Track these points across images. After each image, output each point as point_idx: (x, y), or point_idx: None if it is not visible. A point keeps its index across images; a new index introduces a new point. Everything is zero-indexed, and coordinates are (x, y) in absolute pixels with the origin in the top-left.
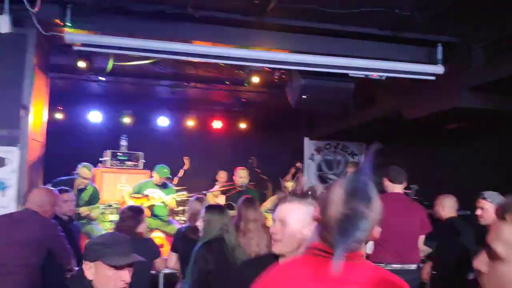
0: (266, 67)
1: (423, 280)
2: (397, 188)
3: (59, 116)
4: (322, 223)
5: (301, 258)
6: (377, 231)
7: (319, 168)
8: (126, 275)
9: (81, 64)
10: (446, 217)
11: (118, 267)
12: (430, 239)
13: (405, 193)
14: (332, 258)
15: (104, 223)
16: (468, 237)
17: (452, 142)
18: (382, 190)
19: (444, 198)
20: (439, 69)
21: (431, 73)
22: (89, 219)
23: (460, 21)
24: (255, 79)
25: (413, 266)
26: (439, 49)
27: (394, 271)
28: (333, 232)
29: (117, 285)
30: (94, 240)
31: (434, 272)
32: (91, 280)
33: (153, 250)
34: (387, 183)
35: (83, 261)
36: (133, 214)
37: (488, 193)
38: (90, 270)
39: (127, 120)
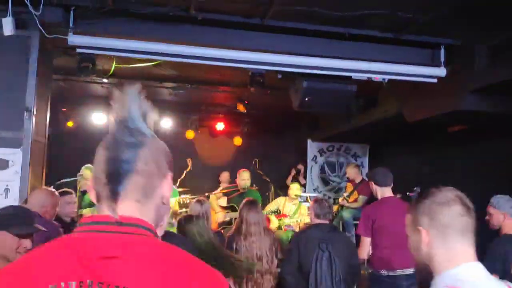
0: (268, 69)
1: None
2: (387, 192)
3: (62, 118)
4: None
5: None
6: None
7: (322, 170)
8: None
9: (84, 66)
10: None
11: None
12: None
13: (408, 196)
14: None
15: None
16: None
17: (455, 145)
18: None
19: None
20: (441, 71)
21: (434, 75)
22: None
23: (462, 24)
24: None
25: (411, 271)
26: (442, 51)
27: (396, 276)
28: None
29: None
30: None
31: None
32: None
33: None
34: (375, 187)
35: None
36: None
37: (494, 198)
38: None
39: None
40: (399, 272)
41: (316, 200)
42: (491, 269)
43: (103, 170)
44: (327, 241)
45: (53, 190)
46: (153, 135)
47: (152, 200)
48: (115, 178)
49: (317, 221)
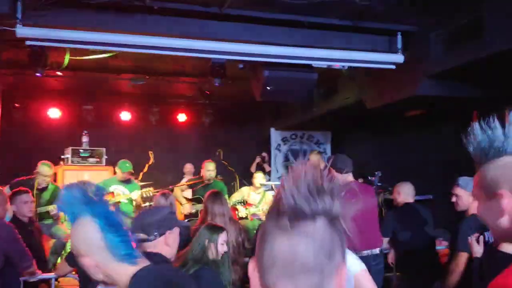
0: (228, 59)
1: (390, 264)
2: (349, 178)
3: (15, 113)
4: None
5: None
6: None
7: (286, 158)
8: None
9: (35, 59)
10: (402, 203)
11: None
12: (388, 225)
13: (369, 180)
14: None
15: (68, 222)
16: (425, 221)
17: (412, 129)
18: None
19: (400, 185)
20: (399, 58)
21: (392, 62)
22: (58, 218)
23: (418, 11)
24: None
25: (377, 251)
26: (399, 38)
27: (362, 257)
28: None
29: None
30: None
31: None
32: None
33: None
34: (336, 175)
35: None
36: None
37: (462, 180)
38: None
39: (87, 115)
40: (365, 253)
41: None
42: (464, 247)
43: None
44: None
45: (0, 188)
46: None
47: None
48: None
49: None
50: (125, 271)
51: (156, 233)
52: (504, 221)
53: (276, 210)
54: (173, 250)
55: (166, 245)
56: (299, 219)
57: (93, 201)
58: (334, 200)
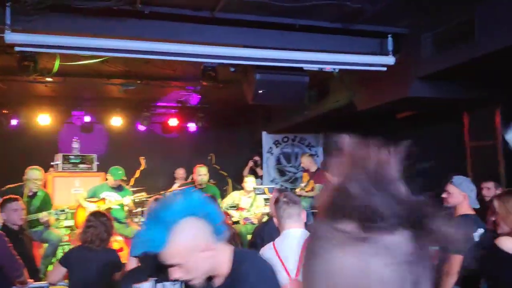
0: (220, 63)
1: None
2: None
3: (4, 120)
4: None
5: None
6: None
7: (278, 161)
8: None
9: (25, 65)
10: None
11: None
12: None
13: None
14: None
15: (59, 229)
16: None
17: (404, 130)
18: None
19: None
20: (390, 60)
21: (383, 64)
22: (48, 225)
23: (408, 13)
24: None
25: None
26: (390, 40)
27: None
28: None
29: None
30: None
31: None
32: None
33: (115, 263)
34: (330, 178)
35: None
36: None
37: (456, 178)
38: None
39: (78, 121)
40: None
41: (281, 191)
42: (456, 249)
43: None
44: None
45: None
46: None
47: None
48: None
49: None
50: (223, 248)
51: None
52: None
53: (333, 213)
54: None
55: None
56: (376, 227)
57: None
58: (423, 204)
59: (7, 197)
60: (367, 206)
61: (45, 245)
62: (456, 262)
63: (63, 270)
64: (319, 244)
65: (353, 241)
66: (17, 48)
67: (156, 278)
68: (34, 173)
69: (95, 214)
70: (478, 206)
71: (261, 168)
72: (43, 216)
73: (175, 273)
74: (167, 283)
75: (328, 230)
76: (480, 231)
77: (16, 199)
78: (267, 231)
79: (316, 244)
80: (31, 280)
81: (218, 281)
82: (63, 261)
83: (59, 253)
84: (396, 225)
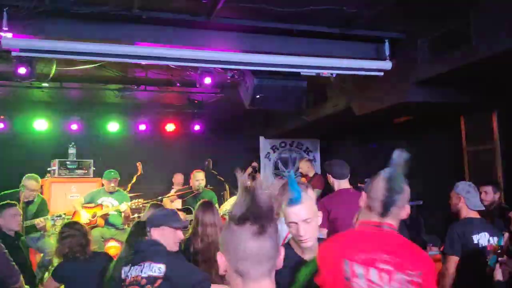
0: (217, 67)
1: None
2: (344, 184)
3: (0, 125)
4: (368, 206)
5: (359, 230)
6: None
7: (276, 167)
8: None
9: (21, 70)
10: None
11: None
12: None
13: (359, 187)
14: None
15: (55, 235)
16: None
17: (400, 135)
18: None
19: None
20: (387, 64)
21: (380, 69)
22: (45, 231)
23: (405, 17)
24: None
25: None
26: (386, 45)
27: None
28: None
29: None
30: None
31: None
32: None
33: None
34: (332, 180)
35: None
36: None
37: (457, 183)
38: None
39: (74, 127)
40: None
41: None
42: (451, 250)
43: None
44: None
45: None
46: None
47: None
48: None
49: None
50: None
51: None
52: None
53: (242, 221)
54: None
55: None
56: (265, 227)
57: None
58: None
59: (5, 202)
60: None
61: (41, 254)
62: (451, 263)
63: (57, 285)
64: (236, 237)
65: (255, 235)
66: (13, 53)
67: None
68: (30, 183)
69: (68, 225)
70: (482, 208)
71: (260, 174)
72: (39, 221)
73: (304, 228)
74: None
75: (240, 230)
76: (484, 234)
77: (14, 205)
78: None
79: (233, 236)
80: (27, 287)
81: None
82: (57, 277)
83: (55, 262)
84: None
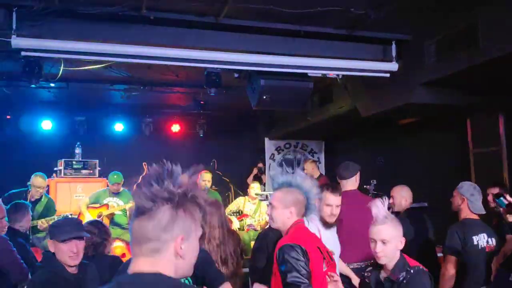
0: (224, 68)
1: None
2: (349, 185)
3: (7, 125)
4: None
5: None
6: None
7: (280, 168)
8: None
9: (29, 70)
10: (400, 209)
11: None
12: None
13: (365, 188)
14: None
15: None
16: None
17: (406, 136)
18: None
19: (394, 189)
20: (393, 66)
21: (386, 70)
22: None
23: (412, 19)
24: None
25: (356, 265)
26: (393, 47)
27: (358, 269)
28: None
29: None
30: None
31: None
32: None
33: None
34: (339, 182)
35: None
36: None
37: (461, 183)
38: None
39: (80, 127)
40: (363, 264)
41: None
42: (451, 250)
43: None
44: None
45: None
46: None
47: None
48: None
49: None
50: None
51: None
52: None
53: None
54: None
55: None
56: (142, 212)
57: None
58: (175, 191)
59: (17, 201)
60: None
61: None
62: (451, 263)
63: None
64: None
65: (136, 216)
66: (23, 53)
67: None
68: (37, 180)
69: (91, 222)
70: (483, 212)
71: (265, 175)
72: (41, 223)
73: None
74: None
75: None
76: (483, 236)
77: (25, 204)
78: (272, 237)
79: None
80: None
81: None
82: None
83: None
84: (158, 205)
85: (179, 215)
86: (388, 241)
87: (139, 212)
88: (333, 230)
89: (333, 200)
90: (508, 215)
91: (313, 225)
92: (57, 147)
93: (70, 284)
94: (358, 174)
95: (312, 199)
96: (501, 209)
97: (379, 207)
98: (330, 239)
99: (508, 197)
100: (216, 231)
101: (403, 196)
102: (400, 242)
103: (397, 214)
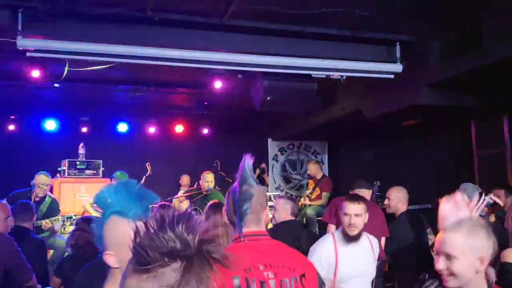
0: (228, 69)
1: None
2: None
3: (11, 126)
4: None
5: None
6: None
7: (283, 168)
8: None
9: (35, 71)
10: (396, 211)
11: None
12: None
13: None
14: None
15: (65, 235)
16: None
17: (409, 138)
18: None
19: (391, 191)
20: (397, 67)
21: (390, 71)
22: (52, 232)
23: (416, 20)
24: (218, 82)
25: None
26: (397, 48)
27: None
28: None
29: None
30: None
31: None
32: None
33: None
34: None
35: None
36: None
37: (463, 185)
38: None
39: (84, 127)
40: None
41: (290, 199)
42: None
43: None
44: (300, 238)
45: (3, 202)
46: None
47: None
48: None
49: (290, 218)
50: None
51: None
52: None
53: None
54: None
55: None
56: (144, 269)
57: None
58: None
59: (22, 201)
60: (143, 251)
61: (51, 251)
62: None
63: (58, 281)
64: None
65: (136, 271)
66: (28, 54)
67: None
68: (41, 178)
69: (85, 219)
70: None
71: (268, 176)
72: (45, 223)
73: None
74: None
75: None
76: None
77: (31, 203)
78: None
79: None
80: (39, 286)
81: None
82: (57, 273)
83: None
84: (169, 261)
85: (190, 276)
86: (456, 257)
87: (139, 269)
88: (357, 245)
89: (351, 209)
90: (490, 215)
91: (328, 241)
92: (61, 147)
93: None
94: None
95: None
96: (486, 208)
97: (457, 204)
98: (348, 258)
99: (492, 196)
100: (219, 229)
101: (400, 198)
102: (479, 261)
103: (392, 216)
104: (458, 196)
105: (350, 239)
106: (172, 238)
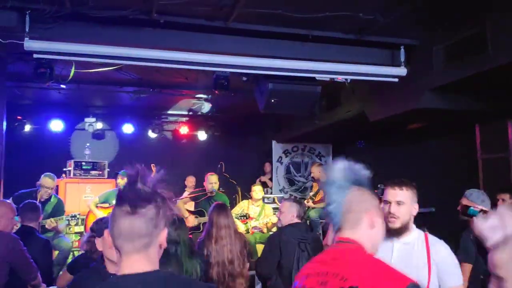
0: (232, 72)
1: None
2: None
3: (18, 126)
4: None
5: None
6: None
7: (288, 171)
8: None
9: (41, 72)
10: None
11: None
12: None
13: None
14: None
15: (70, 235)
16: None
17: (413, 142)
18: None
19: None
20: (402, 71)
21: (394, 75)
22: (56, 232)
23: (421, 24)
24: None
25: None
26: (402, 51)
27: None
28: None
29: None
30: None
31: None
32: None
33: None
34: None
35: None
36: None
37: (468, 191)
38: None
39: (90, 128)
40: None
41: (296, 201)
42: (468, 258)
43: None
44: (306, 241)
45: (8, 201)
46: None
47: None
48: None
49: (296, 220)
50: None
51: None
52: None
53: (120, 199)
54: None
55: None
56: (137, 208)
57: None
58: (157, 195)
59: (29, 201)
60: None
61: (56, 252)
62: (466, 270)
63: (69, 277)
64: (114, 216)
65: (128, 214)
66: (35, 55)
67: None
68: (46, 181)
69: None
70: None
71: (270, 179)
72: (50, 222)
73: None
74: None
75: (117, 209)
76: None
77: (36, 203)
78: (283, 239)
79: (113, 216)
80: (44, 285)
81: None
82: (70, 269)
83: (70, 258)
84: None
85: (161, 211)
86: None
87: (131, 210)
88: (398, 241)
89: (392, 195)
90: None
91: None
92: (66, 148)
93: None
94: None
95: None
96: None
97: (502, 218)
98: (387, 254)
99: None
100: (222, 231)
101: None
102: None
103: None
104: (503, 209)
105: (391, 234)
106: (149, 191)
